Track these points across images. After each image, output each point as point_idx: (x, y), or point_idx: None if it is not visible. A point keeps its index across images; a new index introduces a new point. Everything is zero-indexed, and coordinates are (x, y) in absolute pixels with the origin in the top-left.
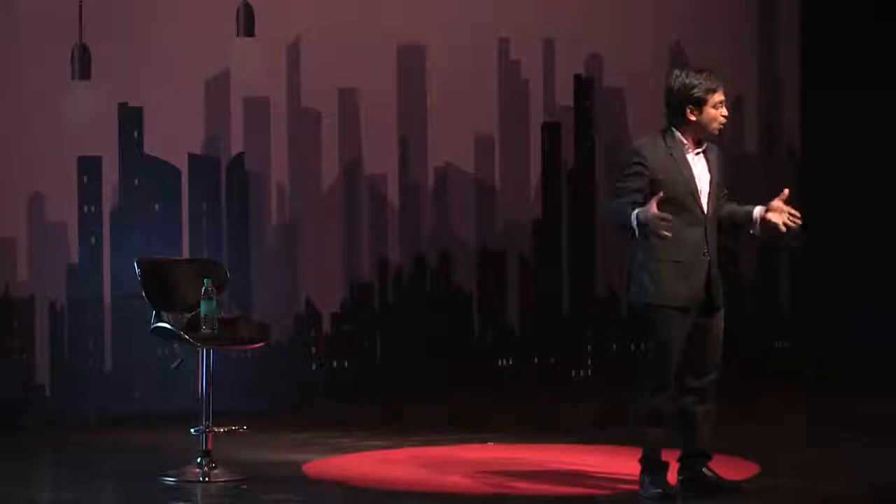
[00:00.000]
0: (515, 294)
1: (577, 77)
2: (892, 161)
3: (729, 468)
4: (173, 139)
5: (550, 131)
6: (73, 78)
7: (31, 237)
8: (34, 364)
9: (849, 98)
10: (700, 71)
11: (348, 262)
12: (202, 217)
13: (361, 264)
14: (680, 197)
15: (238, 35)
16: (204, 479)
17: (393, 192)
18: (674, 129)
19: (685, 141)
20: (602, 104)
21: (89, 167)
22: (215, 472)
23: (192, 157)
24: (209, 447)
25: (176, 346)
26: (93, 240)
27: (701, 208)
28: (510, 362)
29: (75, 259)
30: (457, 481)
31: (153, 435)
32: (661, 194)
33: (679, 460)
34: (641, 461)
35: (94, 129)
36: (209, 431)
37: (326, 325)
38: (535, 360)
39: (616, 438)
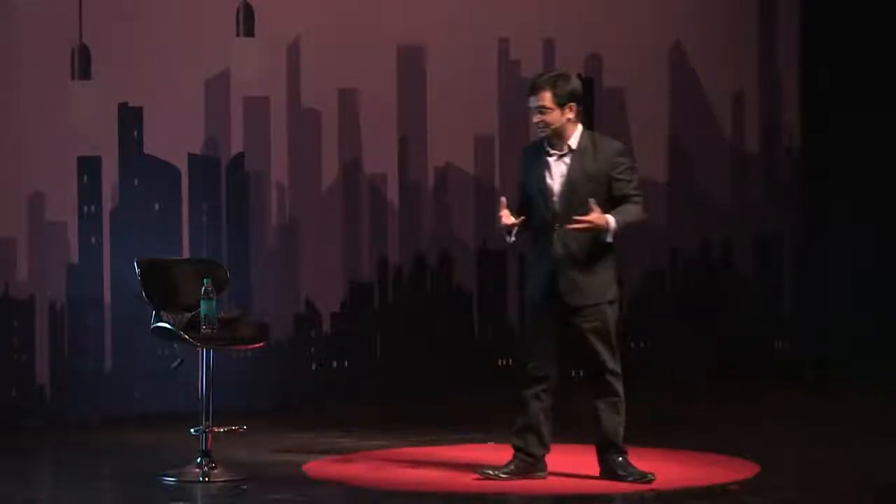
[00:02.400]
0: (515, 294)
1: (577, 77)
2: (891, 161)
3: (729, 468)
4: (173, 139)
5: None
6: (73, 78)
7: (31, 237)
8: (34, 364)
9: (849, 97)
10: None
11: (348, 262)
12: (202, 217)
13: (361, 264)
14: (534, 198)
15: (238, 35)
16: (204, 479)
17: (393, 192)
18: None
19: (547, 144)
20: (602, 104)
21: (89, 167)
22: (215, 472)
23: (192, 157)
24: (209, 447)
25: (176, 346)
26: (93, 240)
27: (551, 209)
28: (510, 362)
29: (75, 259)
30: (457, 481)
31: (153, 435)
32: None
33: (597, 452)
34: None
35: (94, 129)
36: (209, 431)
37: (326, 325)
38: None
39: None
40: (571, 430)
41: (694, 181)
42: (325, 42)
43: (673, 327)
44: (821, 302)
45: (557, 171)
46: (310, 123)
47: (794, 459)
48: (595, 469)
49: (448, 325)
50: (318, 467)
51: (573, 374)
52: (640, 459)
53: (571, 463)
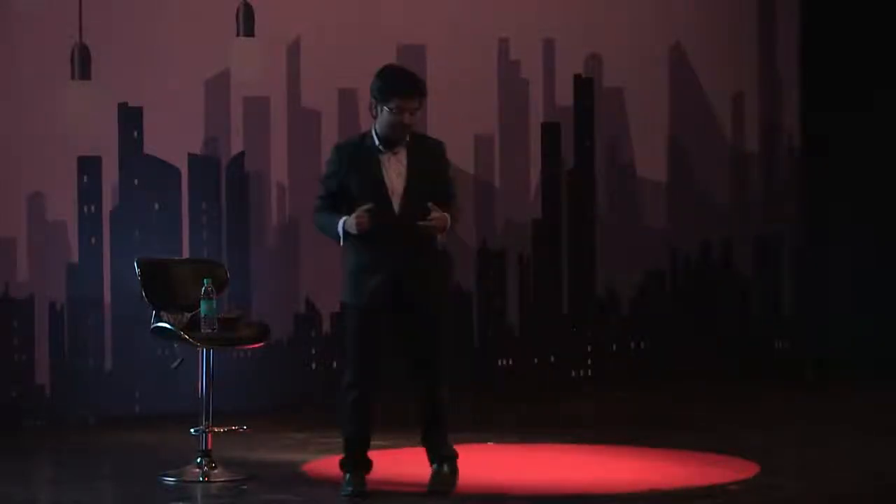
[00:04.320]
0: (515, 294)
1: (577, 77)
2: (892, 161)
3: (729, 468)
4: (173, 139)
5: (550, 131)
6: (73, 78)
7: (31, 237)
8: (34, 364)
9: (849, 98)
10: (399, 74)
11: None
12: (202, 217)
13: None
14: (364, 198)
15: (238, 35)
16: (204, 479)
17: None
18: (372, 127)
19: (377, 141)
20: (602, 104)
21: (89, 167)
22: (215, 472)
23: (192, 157)
24: (209, 447)
25: (176, 346)
26: (93, 240)
27: (392, 209)
28: (510, 362)
29: (75, 259)
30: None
31: (153, 435)
32: (367, 206)
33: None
34: (341, 461)
35: (94, 129)
36: (209, 431)
37: (326, 325)
38: (535, 361)
39: (616, 438)
40: (571, 430)
41: (694, 181)
42: (325, 42)
43: (673, 327)
44: (821, 302)
45: (394, 170)
46: (310, 123)
47: (794, 459)
48: (593, 469)
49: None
50: (318, 467)
51: (573, 373)
52: (640, 459)
53: (571, 463)
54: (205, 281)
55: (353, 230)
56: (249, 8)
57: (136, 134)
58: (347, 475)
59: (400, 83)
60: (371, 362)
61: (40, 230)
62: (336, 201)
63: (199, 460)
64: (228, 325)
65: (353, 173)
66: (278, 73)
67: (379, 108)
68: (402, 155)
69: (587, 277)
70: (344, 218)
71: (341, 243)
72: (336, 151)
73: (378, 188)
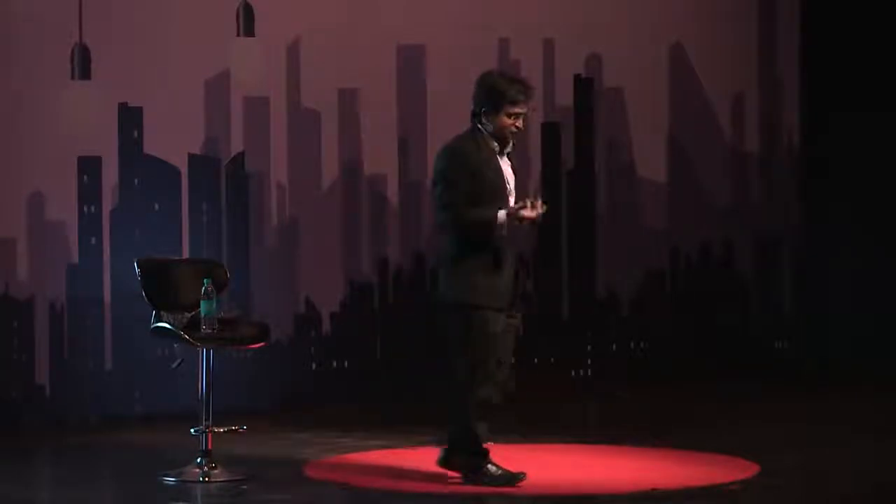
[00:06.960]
0: None
1: (577, 77)
2: (892, 161)
3: (729, 468)
4: (173, 139)
5: (550, 131)
6: (73, 78)
7: (31, 237)
8: (34, 364)
9: (849, 98)
10: (513, 79)
11: (348, 262)
12: (202, 217)
13: (361, 264)
14: (493, 196)
15: (238, 35)
16: (204, 479)
17: (393, 192)
18: (483, 129)
19: (493, 143)
20: (602, 104)
21: (89, 167)
22: (215, 472)
23: (192, 157)
24: (209, 447)
25: (176, 346)
26: (93, 240)
27: (507, 209)
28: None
29: (75, 259)
30: (457, 481)
31: (153, 435)
32: (520, 205)
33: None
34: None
35: (94, 129)
36: (209, 431)
37: (326, 325)
38: (535, 361)
39: (616, 438)
40: (571, 430)
41: (694, 181)
42: (325, 42)
43: (673, 327)
44: (821, 302)
45: (507, 171)
46: (310, 123)
47: (794, 459)
48: (593, 469)
49: None
50: (318, 467)
51: (572, 373)
52: (640, 459)
53: (571, 463)
54: (205, 281)
55: (516, 223)
56: (249, 8)
57: (136, 134)
58: (492, 466)
59: (525, 89)
60: (508, 361)
61: (40, 230)
62: (468, 201)
63: (199, 460)
64: (228, 325)
65: (476, 175)
66: (278, 73)
67: (497, 112)
68: (505, 157)
69: (587, 277)
70: (501, 211)
71: (501, 231)
72: (456, 156)
73: (503, 190)
